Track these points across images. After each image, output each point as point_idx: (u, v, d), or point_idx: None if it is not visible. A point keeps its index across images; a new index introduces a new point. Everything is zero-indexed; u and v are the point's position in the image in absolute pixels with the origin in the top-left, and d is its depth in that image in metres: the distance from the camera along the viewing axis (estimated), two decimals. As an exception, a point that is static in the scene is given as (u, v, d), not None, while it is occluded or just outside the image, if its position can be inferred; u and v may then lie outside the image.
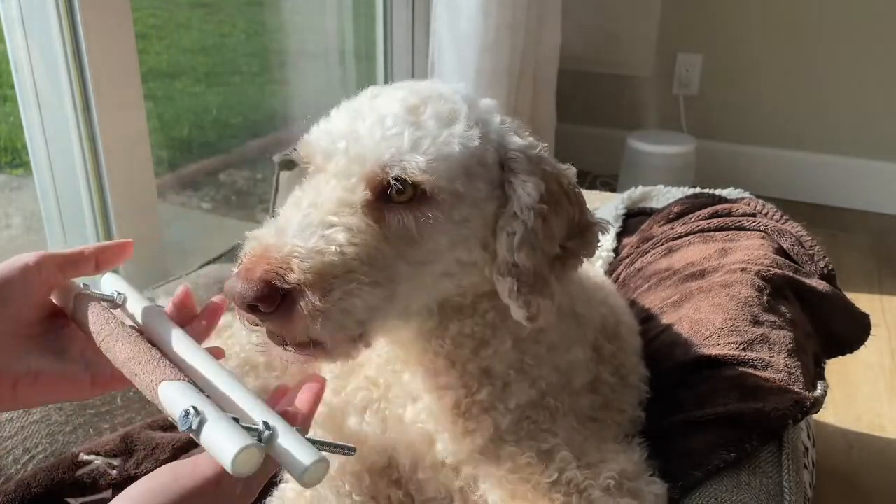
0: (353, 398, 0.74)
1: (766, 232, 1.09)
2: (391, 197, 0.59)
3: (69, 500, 0.78)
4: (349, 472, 0.72)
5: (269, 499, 0.74)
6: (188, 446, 0.86)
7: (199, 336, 0.58)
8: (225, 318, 1.00)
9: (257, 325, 0.57)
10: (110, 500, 0.79)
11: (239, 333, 0.96)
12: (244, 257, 0.57)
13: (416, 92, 0.64)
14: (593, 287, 0.82)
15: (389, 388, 0.72)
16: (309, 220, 0.57)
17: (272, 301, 0.53)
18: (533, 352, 0.69)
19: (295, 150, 1.50)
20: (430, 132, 0.60)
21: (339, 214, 0.57)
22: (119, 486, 0.80)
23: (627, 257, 1.22)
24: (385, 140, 0.59)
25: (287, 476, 0.74)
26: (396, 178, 0.58)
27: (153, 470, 0.82)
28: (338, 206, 0.58)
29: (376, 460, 0.73)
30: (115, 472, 0.81)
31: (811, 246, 1.05)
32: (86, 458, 0.81)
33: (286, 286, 0.54)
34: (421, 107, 0.62)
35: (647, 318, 0.97)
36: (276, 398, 0.56)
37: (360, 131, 0.60)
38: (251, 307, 0.54)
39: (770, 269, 0.97)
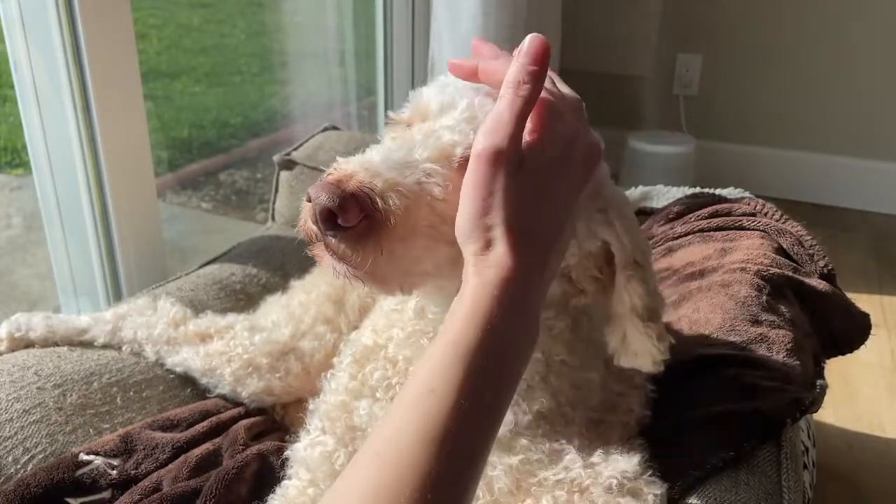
0: (369, 379, 0.73)
1: (765, 231, 1.09)
2: None
3: (69, 500, 0.78)
4: None
5: (271, 496, 0.74)
6: (188, 446, 0.86)
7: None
8: (226, 319, 1.01)
9: (314, 236, 0.56)
10: (110, 500, 0.79)
11: (241, 334, 0.96)
12: (335, 169, 0.55)
13: None
14: None
15: (410, 362, 0.71)
16: (410, 160, 0.57)
17: (353, 218, 0.52)
18: (557, 368, 0.69)
19: (296, 149, 1.49)
20: None
21: (439, 164, 0.57)
22: (119, 486, 0.81)
23: (627, 257, 1.21)
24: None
25: (290, 473, 0.74)
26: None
27: (153, 470, 0.83)
28: (439, 156, 0.58)
29: None
30: (114, 472, 0.81)
31: (811, 245, 1.05)
32: (85, 458, 0.81)
33: (374, 211, 0.53)
34: None
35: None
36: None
37: (486, 103, 0.61)
38: (328, 215, 0.52)
39: (770, 268, 0.97)
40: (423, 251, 0.56)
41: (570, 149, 0.57)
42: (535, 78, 0.54)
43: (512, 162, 0.53)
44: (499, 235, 0.52)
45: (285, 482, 0.75)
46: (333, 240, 0.54)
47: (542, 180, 0.54)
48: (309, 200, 0.54)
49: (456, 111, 0.61)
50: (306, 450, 0.73)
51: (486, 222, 0.52)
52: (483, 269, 0.52)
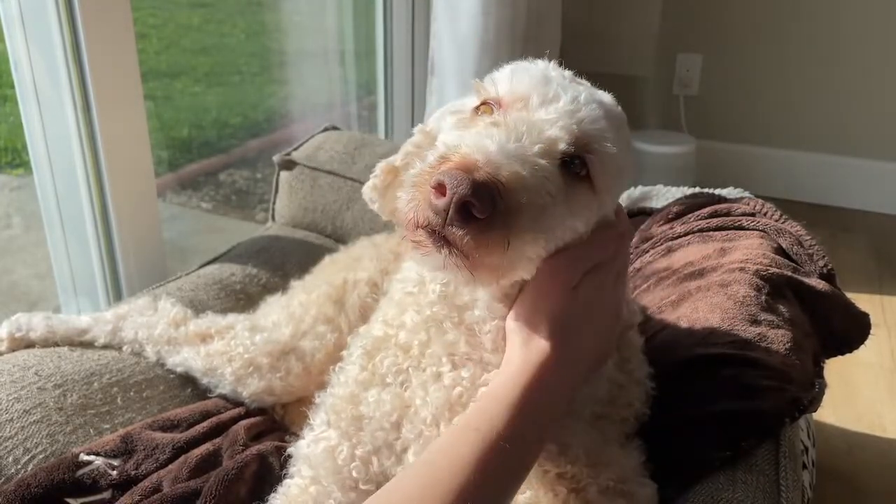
0: (379, 368, 0.72)
1: (765, 231, 1.09)
2: (572, 165, 0.61)
3: (69, 500, 0.78)
4: (358, 458, 0.70)
5: (272, 495, 0.74)
6: (188, 447, 0.86)
7: None
8: (226, 319, 1.01)
9: (425, 227, 0.55)
10: (110, 500, 0.79)
11: (242, 334, 0.96)
12: (454, 153, 0.55)
13: (619, 108, 0.68)
14: None
15: (427, 346, 0.69)
16: (525, 154, 0.56)
17: (487, 208, 0.52)
18: None
19: (296, 149, 1.49)
20: (620, 143, 0.62)
21: (544, 156, 0.58)
22: (119, 486, 0.81)
23: (627, 257, 1.22)
24: (607, 120, 0.62)
25: (293, 471, 0.74)
26: (594, 152, 0.60)
27: (153, 470, 0.83)
28: (544, 151, 0.58)
29: (387, 436, 0.70)
30: (114, 472, 0.81)
31: (810, 245, 1.05)
32: (86, 458, 0.81)
33: (502, 201, 0.53)
34: (621, 121, 0.66)
35: (645, 318, 0.97)
36: None
37: (588, 99, 0.62)
38: (465, 206, 0.51)
39: (769, 268, 0.97)
40: (529, 245, 0.57)
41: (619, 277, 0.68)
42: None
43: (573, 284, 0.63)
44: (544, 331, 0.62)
45: (287, 481, 0.74)
46: (461, 231, 0.53)
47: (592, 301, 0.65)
48: (435, 187, 0.52)
49: (559, 104, 0.61)
50: (309, 446, 0.72)
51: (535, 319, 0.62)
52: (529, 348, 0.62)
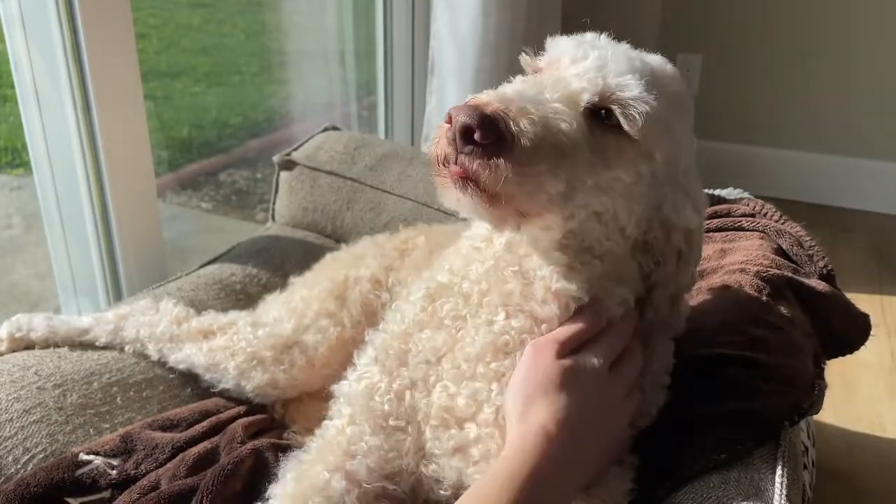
0: (438, 311, 0.74)
1: (765, 232, 1.09)
2: (600, 116, 0.63)
3: (69, 499, 0.78)
4: (393, 391, 0.71)
5: (309, 438, 0.74)
6: (188, 446, 0.86)
7: None
8: (228, 316, 1.01)
9: (444, 160, 0.60)
10: (109, 500, 0.80)
11: (244, 329, 0.96)
12: (475, 98, 0.60)
13: (671, 70, 0.70)
14: None
15: (485, 294, 0.72)
16: (540, 97, 0.61)
17: (489, 135, 0.57)
18: None
19: (296, 149, 1.50)
20: (663, 100, 0.64)
21: (566, 105, 0.62)
22: (118, 485, 0.81)
23: (627, 257, 1.21)
24: (631, 74, 0.63)
25: (332, 411, 0.75)
26: (617, 102, 0.62)
27: (153, 470, 0.83)
28: (567, 100, 0.62)
29: (427, 370, 0.72)
30: (114, 471, 0.81)
31: (810, 246, 1.05)
32: (85, 457, 0.81)
33: (509, 130, 0.57)
34: (671, 82, 0.68)
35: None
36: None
37: (618, 57, 0.65)
38: (466, 131, 0.57)
39: (769, 269, 0.97)
40: (545, 177, 0.59)
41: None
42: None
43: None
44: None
45: (325, 422, 0.75)
46: (466, 157, 0.58)
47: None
48: (448, 121, 0.59)
49: (587, 61, 0.65)
50: (351, 385, 0.74)
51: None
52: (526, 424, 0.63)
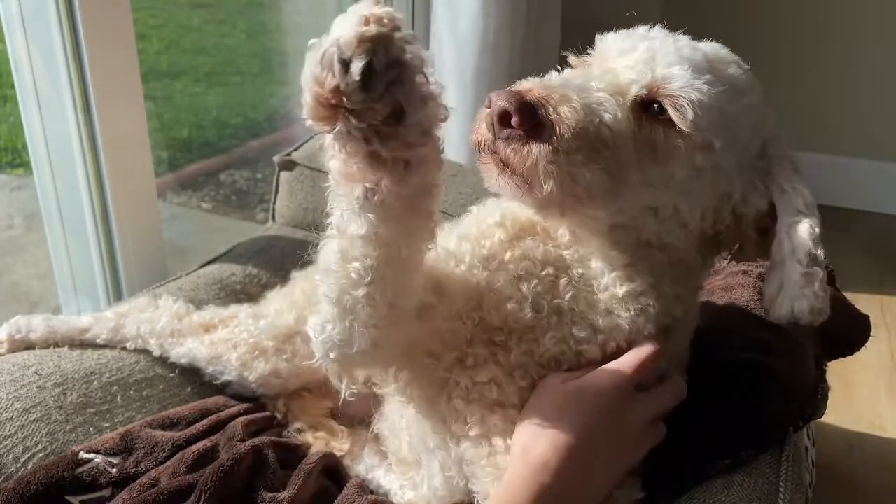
0: (514, 263, 0.68)
1: (765, 232, 1.09)
2: (652, 110, 0.62)
3: (69, 498, 0.78)
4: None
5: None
6: (187, 445, 0.86)
7: None
8: (229, 310, 1.01)
9: (486, 146, 0.59)
10: (109, 498, 0.79)
11: (246, 321, 0.96)
12: (518, 84, 0.60)
13: (726, 55, 0.67)
14: None
15: (562, 272, 0.68)
16: (589, 86, 0.60)
17: (527, 121, 0.56)
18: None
19: (296, 149, 1.49)
20: (722, 84, 0.62)
21: (613, 96, 0.61)
22: (118, 484, 0.81)
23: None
24: (679, 65, 0.62)
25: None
26: (666, 95, 0.61)
27: (153, 469, 0.83)
28: (613, 90, 0.61)
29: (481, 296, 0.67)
30: (114, 470, 0.81)
31: (811, 246, 1.05)
32: (85, 456, 0.81)
33: (547, 117, 0.56)
34: (725, 66, 0.65)
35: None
36: None
37: (667, 48, 0.64)
38: (504, 115, 0.56)
39: (770, 269, 0.97)
40: (583, 168, 0.58)
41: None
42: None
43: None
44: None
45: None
46: (503, 142, 0.58)
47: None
48: (488, 106, 0.58)
49: (636, 53, 0.64)
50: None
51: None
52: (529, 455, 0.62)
